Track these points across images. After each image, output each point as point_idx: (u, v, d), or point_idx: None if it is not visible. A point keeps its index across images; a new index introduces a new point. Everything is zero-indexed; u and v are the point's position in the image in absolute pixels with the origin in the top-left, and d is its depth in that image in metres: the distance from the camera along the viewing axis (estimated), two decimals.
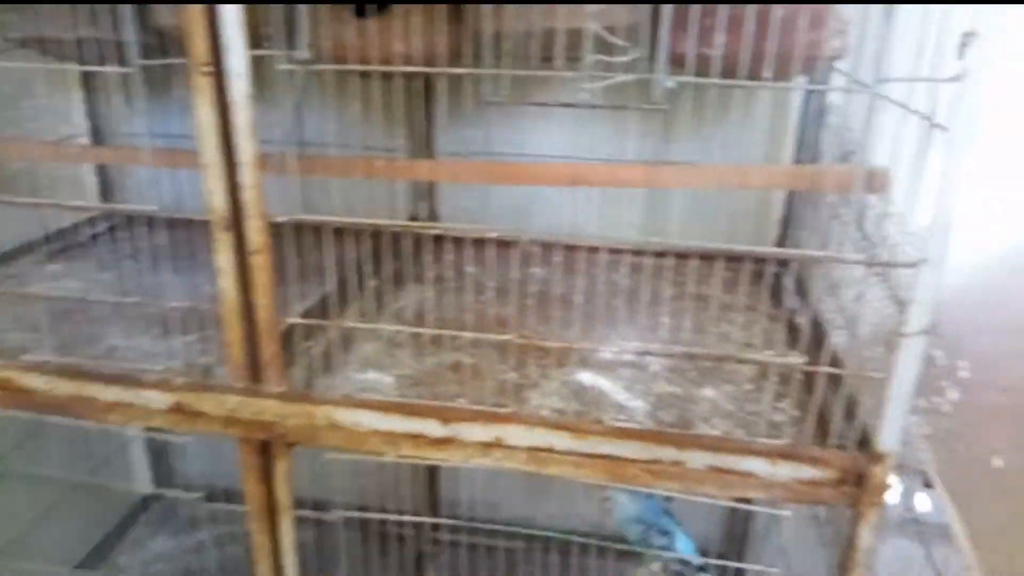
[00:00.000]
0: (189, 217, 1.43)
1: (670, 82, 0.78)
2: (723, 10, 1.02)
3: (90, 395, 1.05)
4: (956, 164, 0.75)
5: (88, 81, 1.66)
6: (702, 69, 1.12)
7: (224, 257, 0.94)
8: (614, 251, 1.68)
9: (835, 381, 0.95)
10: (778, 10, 1.06)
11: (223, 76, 0.86)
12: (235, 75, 0.85)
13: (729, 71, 1.00)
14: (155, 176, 1.52)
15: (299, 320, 1.00)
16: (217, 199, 0.91)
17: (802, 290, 1.43)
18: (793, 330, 1.30)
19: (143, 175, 1.69)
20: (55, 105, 1.67)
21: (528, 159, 1.62)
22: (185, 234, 1.44)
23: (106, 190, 1.77)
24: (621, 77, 0.79)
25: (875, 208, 1.08)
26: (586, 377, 1.12)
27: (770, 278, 1.56)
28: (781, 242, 1.60)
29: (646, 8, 1.13)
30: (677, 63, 1.18)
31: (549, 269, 1.55)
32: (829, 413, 0.95)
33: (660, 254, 1.67)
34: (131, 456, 1.99)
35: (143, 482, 2.03)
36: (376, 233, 1.13)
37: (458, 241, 1.26)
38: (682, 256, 1.66)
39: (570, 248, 1.71)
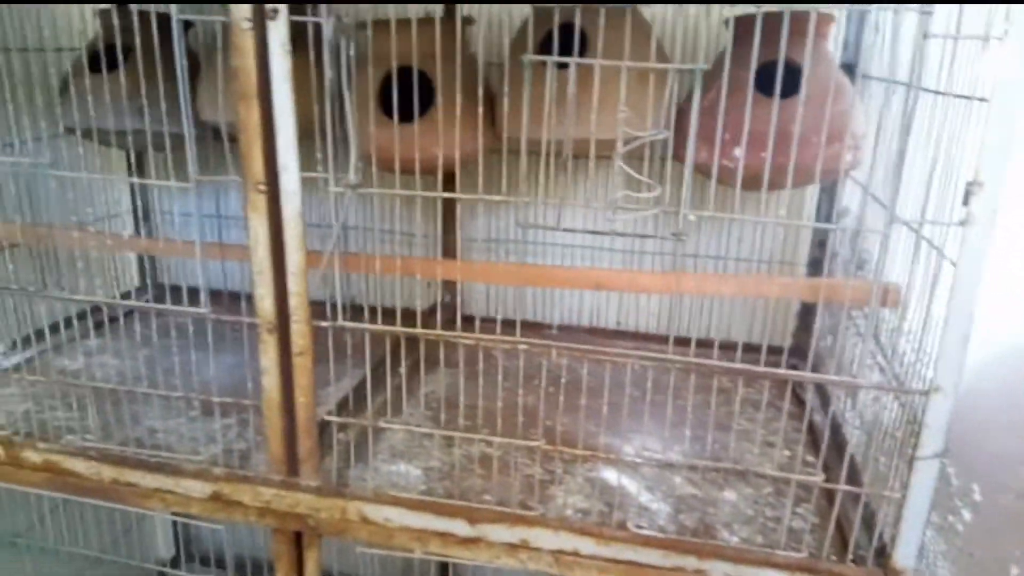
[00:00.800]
0: (228, 291, 1.49)
1: (692, 216, 0.83)
2: (745, 126, 1.08)
3: (131, 481, 1.10)
4: (966, 297, 0.79)
5: (135, 164, 1.75)
6: (722, 177, 1.19)
7: (269, 357, 0.99)
8: (635, 336, 1.74)
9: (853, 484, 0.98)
10: (796, 127, 1.12)
11: (277, 194, 0.92)
12: (289, 194, 0.92)
13: (749, 182, 1.07)
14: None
15: (335, 419, 1.04)
16: (266, 304, 0.97)
17: (820, 387, 1.46)
18: (812, 429, 1.34)
19: None
20: (101, 184, 1.76)
21: (553, 247, 1.69)
22: (225, 308, 1.50)
23: (146, 263, 1.85)
24: (648, 211, 0.85)
25: (888, 321, 1.12)
26: (609, 476, 1.16)
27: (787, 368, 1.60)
28: (798, 334, 1.64)
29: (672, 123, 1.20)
30: (701, 171, 1.25)
31: (571, 356, 1.60)
32: (848, 524, 0.98)
33: (679, 342, 1.72)
34: (154, 522, 2.02)
35: (165, 547, 2.05)
36: (406, 314, 1.19)
37: (482, 323, 1.32)
38: (701, 345, 1.71)
39: (591, 332, 1.76)
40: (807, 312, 1.61)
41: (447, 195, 0.91)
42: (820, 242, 1.56)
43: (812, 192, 1.56)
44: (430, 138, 1.33)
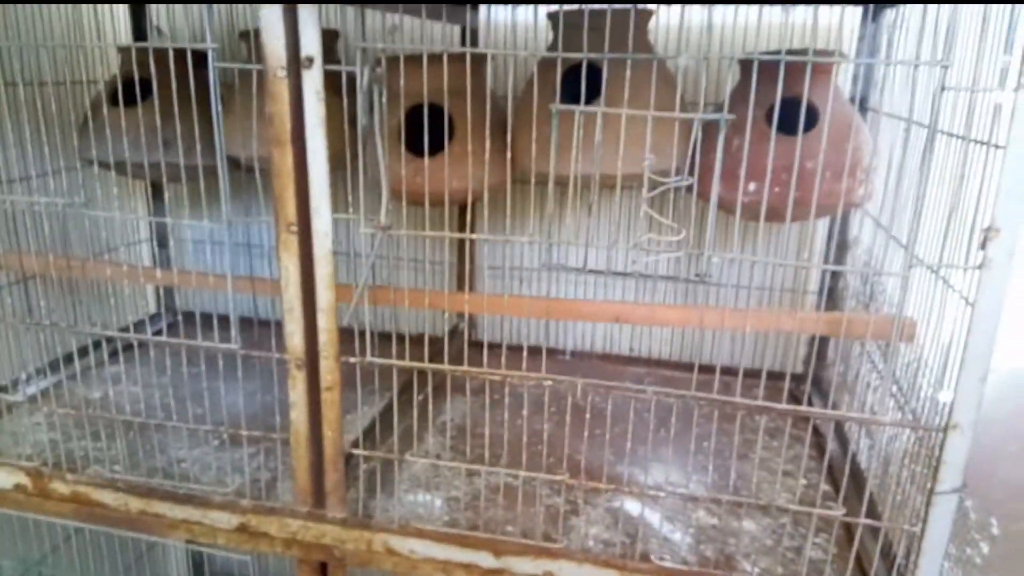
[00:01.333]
0: (249, 317, 1.52)
1: (716, 258, 0.86)
2: (764, 165, 1.11)
3: (158, 512, 1.12)
4: (984, 338, 0.82)
5: (154, 194, 1.77)
6: (739, 212, 1.22)
7: (298, 392, 1.01)
8: (647, 363, 1.76)
9: (873, 519, 1.00)
10: (817, 163, 1.15)
11: (309, 235, 0.94)
12: (320, 235, 0.94)
13: (766, 215, 1.09)
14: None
15: (361, 452, 1.06)
16: (295, 340, 0.99)
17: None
18: (823, 453, 1.35)
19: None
20: (124, 210, 1.78)
21: (565, 274, 1.71)
22: (248, 335, 1.53)
23: (162, 289, 1.87)
24: (672, 253, 0.87)
25: (903, 354, 1.14)
26: (630, 506, 1.17)
27: (800, 396, 1.62)
28: (809, 359, 1.66)
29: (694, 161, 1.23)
30: (724, 208, 1.27)
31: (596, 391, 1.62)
32: (866, 555, 1.00)
33: (691, 368, 1.74)
34: (168, 547, 2.03)
35: (179, 572, 2.06)
36: (428, 342, 1.21)
37: (494, 349, 1.34)
38: (713, 371, 1.73)
39: (604, 358, 1.78)
40: (816, 339, 1.63)
41: (474, 236, 0.93)
42: (832, 272, 1.59)
43: (822, 222, 1.58)
44: (452, 172, 1.36)
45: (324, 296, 0.97)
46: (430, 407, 1.45)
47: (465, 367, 0.97)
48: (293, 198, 0.93)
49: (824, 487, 1.26)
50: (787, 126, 1.19)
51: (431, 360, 1.55)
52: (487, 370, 0.97)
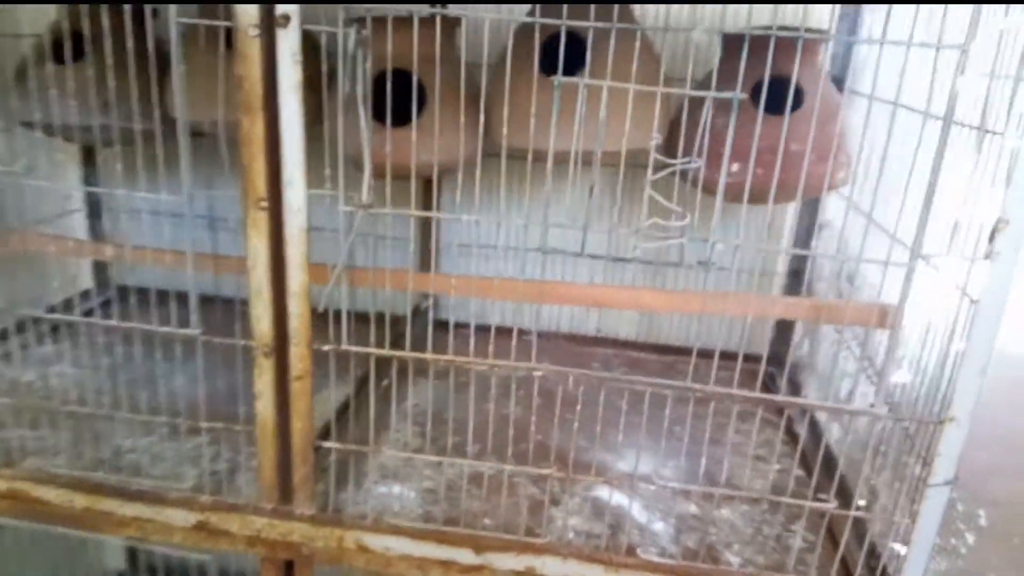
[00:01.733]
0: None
1: (721, 244, 0.82)
2: (749, 146, 1.07)
3: (107, 510, 1.03)
4: (987, 331, 0.80)
5: (88, 159, 1.64)
6: (729, 194, 1.18)
7: (264, 381, 0.93)
8: (615, 344, 1.73)
9: (847, 506, 0.99)
10: (798, 146, 1.13)
11: (280, 211, 0.86)
12: (293, 211, 0.86)
13: (752, 196, 1.07)
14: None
15: (333, 444, 0.99)
16: (263, 325, 0.91)
17: (795, 391, 1.49)
18: (794, 437, 1.36)
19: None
20: (54, 176, 1.64)
21: (531, 253, 1.66)
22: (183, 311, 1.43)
23: (98, 263, 1.74)
24: (675, 239, 0.83)
25: (880, 341, 1.13)
26: (607, 495, 1.14)
27: (768, 378, 1.62)
28: (775, 343, 1.66)
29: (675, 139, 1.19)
30: (707, 190, 1.24)
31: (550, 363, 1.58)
32: (848, 545, 0.99)
33: (658, 349, 1.72)
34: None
35: (117, 559, 1.96)
36: (386, 320, 1.14)
37: (460, 329, 1.29)
38: (680, 352, 1.71)
39: (571, 339, 1.74)
40: (785, 321, 1.63)
41: (465, 217, 0.87)
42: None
43: (791, 205, 1.57)
44: (421, 143, 1.29)
45: (296, 278, 0.89)
46: (393, 392, 1.39)
47: (450, 355, 0.91)
48: (264, 171, 0.85)
49: (797, 472, 1.26)
50: (772, 106, 1.16)
51: (394, 343, 1.49)
52: (473, 359, 0.91)
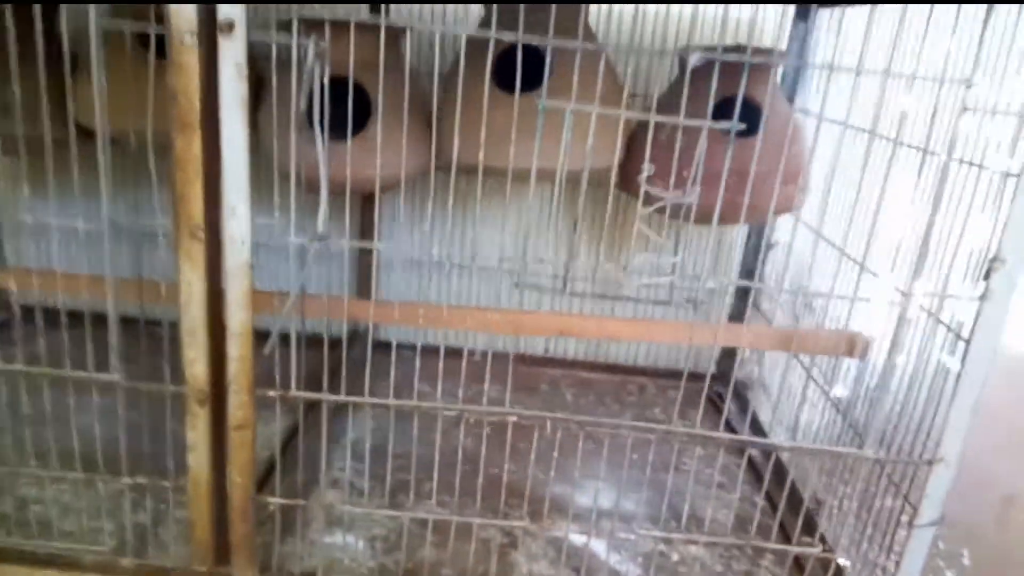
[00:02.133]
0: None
1: (712, 282, 0.77)
2: (720, 171, 1.04)
3: None
4: (979, 369, 0.78)
5: None
6: (676, 213, 1.14)
7: (199, 432, 0.82)
8: (562, 364, 1.67)
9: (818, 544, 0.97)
10: (758, 168, 1.10)
11: (219, 241, 0.76)
12: (236, 242, 0.76)
13: (703, 217, 1.03)
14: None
15: (276, 500, 0.89)
16: (197, 370, 0.80)
17: (743, 407, 1.46)
18: (754, 466, 1.33)
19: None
20: None
21: (474, 270, 1.59)
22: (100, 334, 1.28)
23: None
24: (665, 278, 0.77)
25: (848, 369, 1.12)
26: (572, 535, 1.08)
27: (716, 399, 1.60)
28: (721, 359, 1.64)
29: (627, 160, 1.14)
30: (672, 215, 1.19)
31: (501, 389, 1.51)
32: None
33: (608, 368, 1.67)
34: None
35: None
36: (324, 345, 1.04)
37: (403, 351, 1.20)
38: (628, 372, 1.67)
39: (519, 360, 1.67)
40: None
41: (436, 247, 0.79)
42: (748, 272, 1.56)
43: (742, 227, 1.55)
44: (363, 158, 1.19)
45: (237, 317, 0.79)
46: (327, 429, 1.29)
47: (414, 400, 0.82)
48: (201, 196, 0.74)
49: (756, 499, 1.23)
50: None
51: (332, 372, 1.39)
52: (441, 404, 0.83)
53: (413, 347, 1.70)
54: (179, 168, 0.73)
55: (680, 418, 1.52)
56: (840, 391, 1.18)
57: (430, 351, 0.97)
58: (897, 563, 0.85)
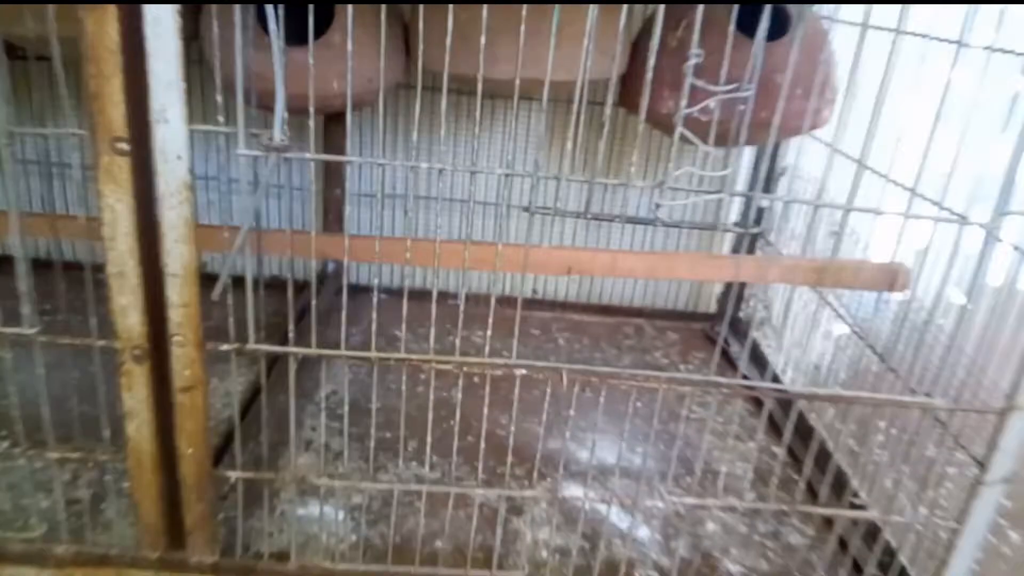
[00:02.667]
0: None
1: (765, 201, 0.63)
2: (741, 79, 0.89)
3: None
4: None
5: None
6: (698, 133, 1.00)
7: (136, 396, 0.67)
8: (552, 306, 1.53)
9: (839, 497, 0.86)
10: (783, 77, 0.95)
11: (149, 156, 0.59)
12: (169, 156, 0.59)
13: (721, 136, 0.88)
14: None
15: (238, 474, 0.74)
16: (130, 320, 0.64)
17: (758, 359, 1.35)
18: (760, 406, 1.22)
19: None
20: None
21: (450, 203, 1.43)
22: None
23: None
24: (713, 195, 0.63)
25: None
26: (575, 493, 0.96)
27: (716, 337, 1.48)
28: (723, 299, 1.52)
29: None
30: (658, 124, 1.05)
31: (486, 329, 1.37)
32: (855, 547, 0.86)
33: (601, 310, 1.55)
34: None
35: None
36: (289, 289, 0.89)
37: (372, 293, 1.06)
38: (623, 313, 1.54)
39: (503, 303, 1.53)
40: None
41: (439, 166, 0.64)
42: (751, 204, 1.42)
43: (748, 149, 1.41)
44: (331, 68, 1.02)
45: (177, 254, 0.63)
46: (292, 388, 1.14)
47: (402, 353, 0.68)
48: (121, 97, 0.57)
49: (774, 449, 1.12)
50: (751, 31, 0.97)
51: (299, 318, 1.23)
52: (435, 357, 0.68)
53: (389, 291, 1.57)
54: (91, 59, 0.56)
55: (681, 360, 1.42)
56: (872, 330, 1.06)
57: (402, 295, 0.83)
58: (956, 525, 0.74)
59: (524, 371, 0.69)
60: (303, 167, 1.36)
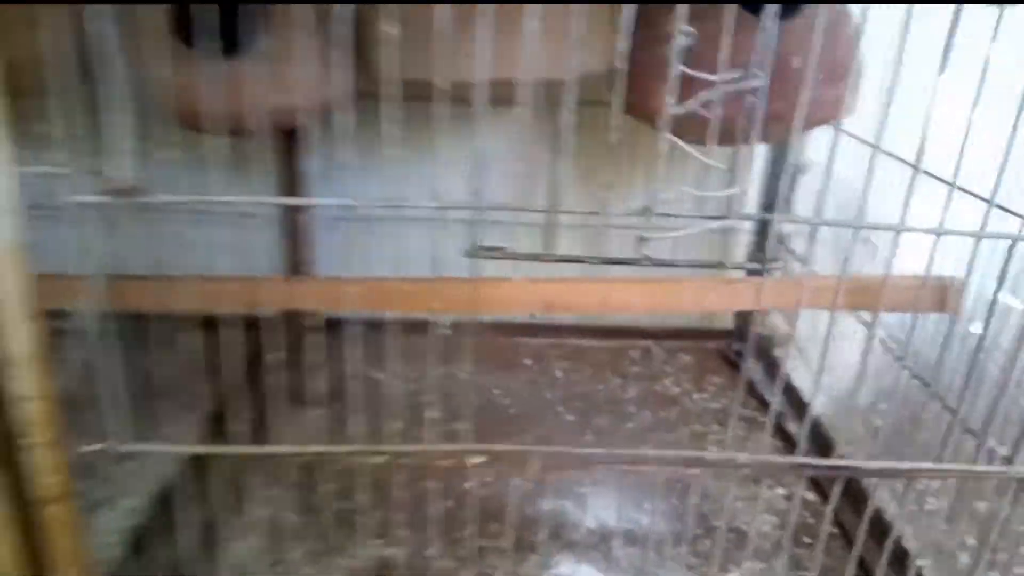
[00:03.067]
0: None
1: (788, 225, 0.47)
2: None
3: None
4: None
5: None
6: (689, 130, 0.83)
7: None
8: (548, 331, 1.37)
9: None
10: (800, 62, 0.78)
11: None
12: None
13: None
14: None
15: None
16: None
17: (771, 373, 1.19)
18: (783, 434, 1.07)
19: None
20: None
21: (416, 222, 1.27)
22: None
23: None
24: (717, 222, 0.47)
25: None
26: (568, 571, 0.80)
27: (733, 356, 1.32)
28: (743, 314, 1.35)
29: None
30: (646, 119, 0.89)
31: (475, 366, 1.21)
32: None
33: (605, 333, 1.38)
34: None
35: None
36: (251, 324, 0.73)
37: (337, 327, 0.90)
38: (628, 335, 1.38)
39: (496, 329, 1.36)
40: None
41: (352, 202, 0.49)
42: (769, 206, 1.25)
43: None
44: (264, 81, 0.86)
45: (20, 334, 0.48)
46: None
47: (327, 447, 0.52)
48: None
49: (808, 496, 0.96)
50: (755, 10, 0.81)
51: (252, 360, 1.08)
52: (366, 447, 0.53)
53: (345, 321, 1.41)
54: None
55: (695, 388, 1.25)
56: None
57: (377, 325, 0.68)
58: None
59: (480, 459, 0.53)
60: (257, 186, 1.21)
